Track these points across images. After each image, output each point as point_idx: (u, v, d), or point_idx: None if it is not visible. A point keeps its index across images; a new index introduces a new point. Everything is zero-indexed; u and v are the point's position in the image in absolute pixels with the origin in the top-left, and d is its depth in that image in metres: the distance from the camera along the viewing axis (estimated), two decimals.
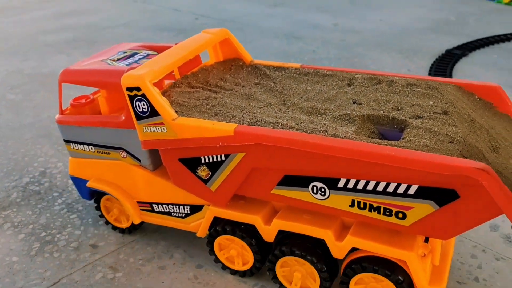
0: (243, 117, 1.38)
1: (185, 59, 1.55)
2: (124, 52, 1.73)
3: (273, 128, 1.30)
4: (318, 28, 4.19)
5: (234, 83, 1.63)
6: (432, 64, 3.28)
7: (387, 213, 1.25)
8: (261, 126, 1.32)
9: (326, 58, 3.51)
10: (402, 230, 1.25)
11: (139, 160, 1.61)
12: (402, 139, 1.23)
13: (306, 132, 1.26)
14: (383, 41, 3.82)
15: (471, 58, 3.37)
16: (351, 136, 1.22)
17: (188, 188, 1.52)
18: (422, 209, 1.19)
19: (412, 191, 1.18)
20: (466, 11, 4.42)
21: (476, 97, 1.45)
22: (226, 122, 1.36)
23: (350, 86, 1.54)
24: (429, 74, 3.18)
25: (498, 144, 1.28)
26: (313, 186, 1.31)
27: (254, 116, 1.37)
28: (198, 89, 1.56)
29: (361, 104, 1.41)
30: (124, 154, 1.63)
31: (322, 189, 1.30)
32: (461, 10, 4.47)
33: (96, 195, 1.82)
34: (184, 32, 4.24)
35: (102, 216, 1.85)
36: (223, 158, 1.38)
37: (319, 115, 1.38)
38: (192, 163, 1.45)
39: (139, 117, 1.44)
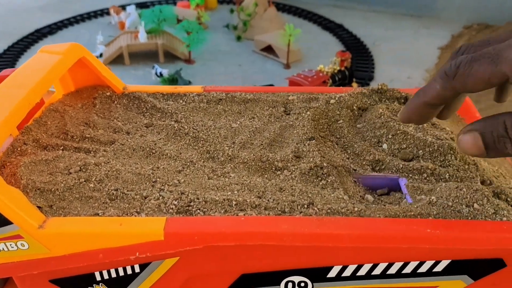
0: (163, 197, 0.83)
1: (32, 104, 0.92)
2: None
3: (226, 211, 0.79)
4: None
5: (111, 129, 1.05)
6: (11, 45, 3.18)
7: None
8: (202, 212, 0.80)
9: None
10: None
11: None
12: (421, 193, 0.85)
13: (285, 212, 0.79)
14: None
15: (57, 36, 3.32)
16: (356, 209, 0.79)
17: None
18: (450, 286, 0.85)
19: (439, 268, 0.83)
20: None
21: None
22: (139, 212, 0.80)
23: (288, 114, 1.09)
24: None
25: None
26: (287, 282, 0.86)
27: (181, 192, 0.83)
28: (59, 150, 0.95)
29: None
30: None
31: (302, 284, 0.86)
32: None
33: None
34: None
35: None
36: (138, 270, 0.83)
37: (279, 172, 0.90)
38: (77, 283, 0.86)
39: None
